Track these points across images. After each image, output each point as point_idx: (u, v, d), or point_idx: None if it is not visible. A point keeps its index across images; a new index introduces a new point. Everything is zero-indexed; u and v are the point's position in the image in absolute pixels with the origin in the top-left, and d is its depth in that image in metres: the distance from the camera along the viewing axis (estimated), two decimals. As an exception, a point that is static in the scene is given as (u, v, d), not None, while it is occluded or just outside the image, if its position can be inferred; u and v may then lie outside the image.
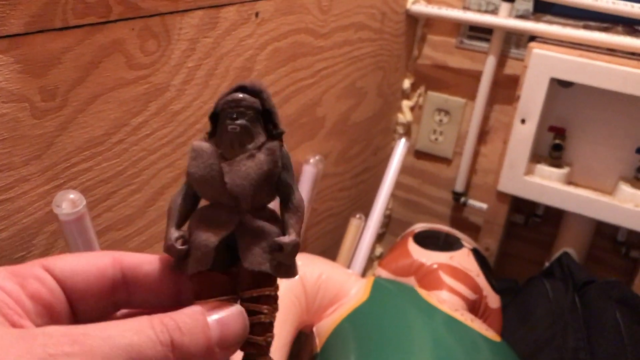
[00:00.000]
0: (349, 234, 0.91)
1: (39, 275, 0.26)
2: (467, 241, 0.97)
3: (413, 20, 1.10)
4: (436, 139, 1.19)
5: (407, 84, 1.17)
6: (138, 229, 0.57)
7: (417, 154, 1.23)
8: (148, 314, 0.25)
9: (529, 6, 1.01)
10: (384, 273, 0.92)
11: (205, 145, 0.27)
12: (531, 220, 1.14)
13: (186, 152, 0.28)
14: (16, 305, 0.24)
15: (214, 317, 0.26)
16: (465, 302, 0.84)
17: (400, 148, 0.97)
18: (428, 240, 0.96)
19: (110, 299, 0.28)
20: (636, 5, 0.88)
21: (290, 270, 0.28)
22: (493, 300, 0.89)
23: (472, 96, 1.11)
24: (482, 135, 1.14)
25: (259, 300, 0.27)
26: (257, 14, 0.64)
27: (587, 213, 0.97)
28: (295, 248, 0.27)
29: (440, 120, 1.17)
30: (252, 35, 0.64)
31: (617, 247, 1.08)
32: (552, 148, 1.01)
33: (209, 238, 0.27)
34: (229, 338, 0.26)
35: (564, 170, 1.00)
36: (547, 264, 1.05)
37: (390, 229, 1.34)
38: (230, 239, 0.27)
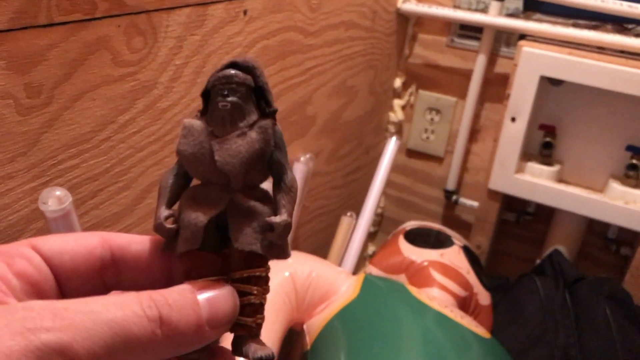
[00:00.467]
0: (340, 232, 0.91)
1: (26, 253, 0.26)
2: (457, 239, 0.98)
3: (404, 19, 1.10)
4: (427, 138, 1.19)
5: (398, 82, 1.17)
6: (126, 227, 0.57)
7: (409, 152, 1.23)
8: None
9: (519, 5, 1.02)
10: (374, 270, 0.92)
11: (196, 123, 0.27)
12: (522, 218, 1.14)
13: (176, 138, 0.27)
14: (1, 283, 0.24)
15: (204, 295, 0.25)
16: (456, 299, 0.84)
17: (392, 147, 0.97)
18: (419, 237, 0.96)
19: (99, 279, 0.27)
20: (625, 3, 0.89)
21: (282, 251, 0.27)
22: (483, 297, 0.90)
23: (462, 95, 1.12)
24: (473, 134, 1.14)
25: (249, 281, 0.27)
26: (245, 12, 0.64)
27: (577, 210, 0.97)
28: (287, 228, 0.27)
29: (432, 119, 1.17)
30: (240, 33, 0.65)
31: (607, 244, 1.09)
32: (543, 146, 1.02)
33: (198, 217, 0.27)
34: (219, 317, 0.25)
35: (555, 168, 1.00)
36: (538, 262, 1.05)
37: (382, 227, 1.34)
38: (221, 218, 0.27)
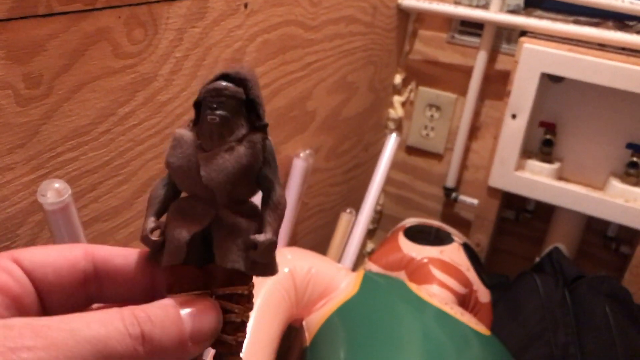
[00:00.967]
0: (339, 229, 0.91)
1: (6, 266, 0.25)
2: (457, 236, 0.97)
3: (404, 14, 1.10)
4: (427, 135, 1.19)
5: (398, 79, 1.17)
6: (125, 221, 0.57)
7: (408, 149, 1.23)
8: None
9: (520, 1, 1.01)
10: (374, 267, 0.92)
11: (187, 135, 0.26)
12: (522, 216, 1.14)
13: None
14: None
15: (187, 310, 0.25)
16: (455, 296, 0.84)
17: (391, 143, 0.97)
18: (419, 234, 0.96)
19: (82, 292, 0.27)
20: (626, 0, 0.89)
21: (266, 269, 0.27)
22: (483, 294, 0.89)
23: (463, 91, 1.11)
24: (473, 131, 1.14)
25: (231, 299, 0.27)
26: (246, 5, 0.64)
27: (577, 208, 0.97)
28: (271, 247, 0.26)
29: (432, 116, 1.17)
30: (241, 27, 0.64)
31: (607, 242, 1.08)
32: (543, 143, 1.02)
33: (181, 232, 0.26)
34: (202, 332, 0.25)
35: (555, 166, 1.00)
36: (537, 259, 1.05)
37: (381, 224, 1.33)
38: (207, 233, 0.27)
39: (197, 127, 0.26)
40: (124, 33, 0.50)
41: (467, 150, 1.15)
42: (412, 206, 1.28)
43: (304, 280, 0.74)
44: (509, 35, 1.05)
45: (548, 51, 0.90)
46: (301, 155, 0.82)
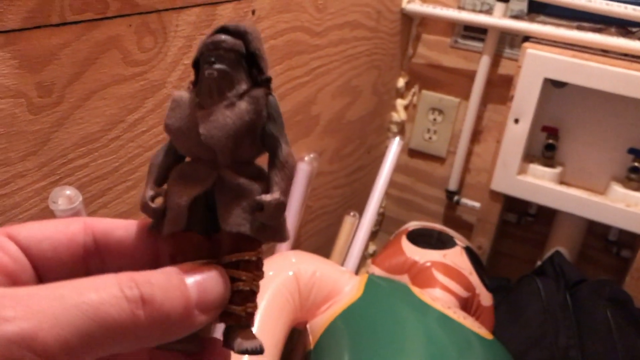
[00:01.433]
0: (343, 232, 0.91)
1: (0, 243, 0.23)
2: (460, 239, 0.98)
3: (408, 19, 1.10)
4: (430, 138, 1.19)
5: (401, 82, 1.17)
6: (133, 226, 0.57)
7: (411, 152, 1.23)
8: None
9: (524, 6, 1.02)
10: (377, 271, 0.92)
11: (185, 95, 0.25)
12: (524, 220, 1.15)
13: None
14: None
15: (192, 277, 0.23)
16: (458, 299, 0.84)
17: (394, 147, 0.97)
18: (421, 238, 0.96)
19: (82, 267, 0.25)
20: (629, 6, 0.89)
21: (276, 233, 0.25)
22: (485, 298, 0.90)
23: (466, 96, 1.12)
24: (476, 135, 1.14)
25: (238, 266, 0.24)
26: (253, 12, 0.64)
27: (579, 212, 0.97)
28: (279, 207, 0.24)
29: (434, 119, 1.18)
30: (248, 33, 0.65)
31: (608, 246, 1.09)
32: (545, 148, 1.02)
33: (182, 196, 0.24)
34: (209, 300, 0.23)
35: (557, 170, 1.01)
36: (539, 263, 1.06)
37: (383, 227, 1.34)
38: (211, 198, 0.25)
39: (196, 87, 0.25)
40: (134, 41, 0.50)
41: (469, 154, 1.16)
42: (414, 209, 1.28)
43: (309, 283, 0.74)
44: (512, 40, 1.05)
45: (551, 57, 0.90)
46: (305, 159, 0.83)
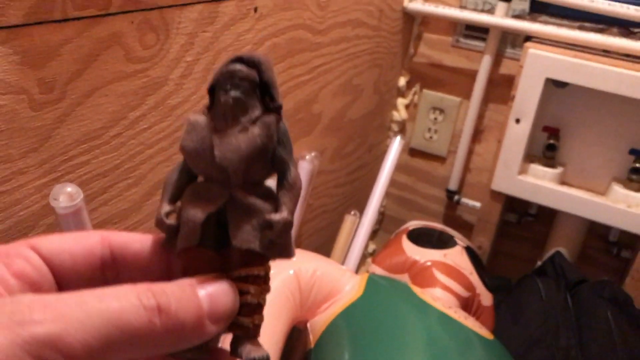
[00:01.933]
0: (343, 230, 0.91)
1: (24, 254, 0.25)
2: (460, 239, 0.98)
3: (410, 18, 1.10)
4: (431, 137, 1.19)
5: (402, 81, 1.17)
6: (134, 223, 0.57)
7: (412, 151, 1.23)
8: None
9: (525, 6, 1.02)
10: (377, 270, 0.92)
11: (201, 118, 0.26)
12: (524, 220, 1.14)
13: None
14: None
15: (204, 289, 0.24)
16: (459, 299, 0.84)
17: (395, 146, 0.97)
18: (422, 237, 0.96)
19: (100, 278, 0.27)
20: (632, 7, 0.89)
21: (283, 250, 0.27)
22: (486, 298, 0.90)
23: (467, 95, 1.12)
24: (477, 134, 1.14)
25: (247, 280, 0.26)
26: (255, 9, 0.64)
27: (579, 213, 0.97)
28: (287, 226, 0.26)
29: (435, 119, 1.17)
30: (250, 31, 0.64)
31: (608, 247, 1.09)
32: (546, 148, 1.02)
33: (196, 213, 0.26)
34: (220, 311, 0.24)
35: (558, 170, 1.00)
36: (539, 263, 1.05)
37: (383, 226, 1.34)
38: (223, 215, 0.26)
39: (211, 111, 0.26)
40: (136, 38, 0.50)
41: (470, 154, 1.16)
42: (414, 208, 1.28)
43: (309, 282, 0.74)
44: (514, 40, 1.05)
45: (553, 57, 0.90)
46: (307, 157, 0.82)
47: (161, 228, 0.27)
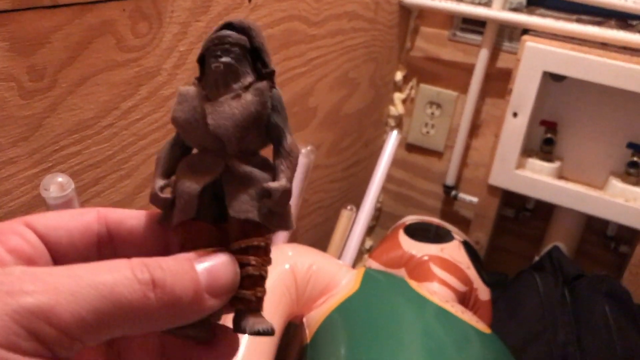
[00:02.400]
0: (339, 225, 0.90)
1: (19, 230, 0.25)
2: (457, 233, 0.97)
3: (406, 11, 1.09)
4: (428, 132, 1.18)
5: (399, 76, 1.16)
6: (127, 216, 0.56)
7: (409, 147, 1.23)
8: None
9: (523, -1, 1.01)
10: (374, 264, 0.92)
11: (192, 89, 0.25)
12: (522, 214, 1.14)
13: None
14: None
15: (202, 263, 0.24)
16: (456, 294, 0.83)
17: (392, 140, 0.97)
18: (419, 232, 0.96)
19: (96, 255, 0.26)
20: (629, -1, 0.88)
21: (283, 221, 0.26)
22: (483, 292, 0.89)
23: (464, 89, 1.11)
24: (474, 129, 1.13)
25: (247, 252, 0.25)
26: (250, 0, 0.63)
27: (577, 207, 0.97)
28: (286, 194, 0.25)
29: (432, 113, 1.17)
30: (245, 21, 0.63)
31: (606, 241, 1.08)
32: (544, 142, 1.01)
33: (191, 185, 0.25)
34: (219, 284, 0.24)
35: (555, 165, 1.00)
36: (537, 258, 1.05)
37: (380, 222, 1.33)
38: (219, 188, 0.26)
39: (202, 81, 0.26)
40: (128, 26, 0.49)
41: (467, 148, 1.15)
42: (411, 204, 1.28)
43: (305, 276, 0.73)
44: (511, 33, 1.05)
45: (550, 50, 0.90)
46: (303, 151, 0.82)
47: (156, 203, 0.26)
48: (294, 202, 0.82)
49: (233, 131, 0.25)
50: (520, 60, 0.92)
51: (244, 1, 0.62)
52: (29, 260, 0.24)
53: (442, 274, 0.85)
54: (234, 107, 0.25)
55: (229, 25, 0.25)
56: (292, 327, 0.78)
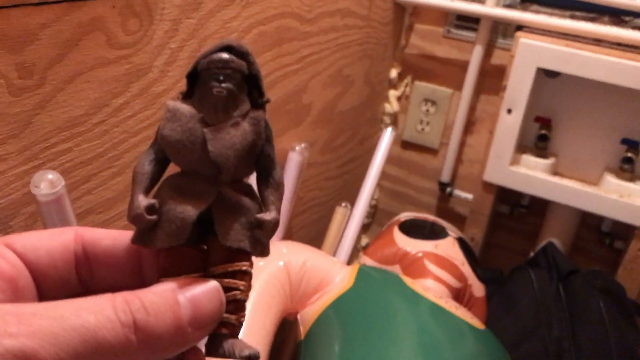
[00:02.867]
0: (334, 222, 0.90)
1: None
2: (452, 230, 0.97)
3: (400, 8, 1.09)
4: (422, 129, 1.19)
5: (394, 73, 1.16)
6: (119, 213, 0.56)
7: (404, 144, 1.23)
8: None
9: (517, -4, 1.01)
10: (369, 261, 0.92)
11: (183, 107, 0.25)
12: (516, 211, 1.14)
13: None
14: None
15: (187, 294, 0.24)
16: (450, 290, 0.83)
17: (387, 138, 0.97)
18: (413, 229, 0.96)
19: (75, 275, 0.27)
20: (623, -5, 0.88)
21: (265, 249, 0.26)
22: (477, 288, 0.89)
23: (458, 86, 1.11)
24: (469, 126, 1.13)
25: (235, 276, 0.25)
26: (242, -4, 0.63)
27: (572, 203, 0.97)
28: (276, 226, 0.26)
29: (427, 111, 1.17)
30: (236, 18, 0.63)
31: (601, 237, 1.09)
32: (538, 138, 1.02)
33: (186, 211, 0.25)
34: (204, 316, 0.24)
35: (550, 161, 1.00)
36: (532, 254, 1.05)
37: (376, 219, 1.33)
38: (203, 212, 0.25)
39: (193, 100, 0.25)
40: (118, 23, 0.49)
41: (462, 145, 1.15)
42: (406, 201, 1.28)
43: (299, 273, 0.73)
44: (505, 29, 1.05)
45: (544, 46, 0.90)
46: (297, 149, 0.82)
47: (139, 224, 0.25)
48: (288, 200, 0.82)
49: (232, 160, 0.24)
50: (514, 57, 0.92)
51: (235, -2, 0.62)
52: (10, 281, 0.24)
53: (437, 270, 0.85)
54: (234, 135, 0.24)
55: (229, 48, 0.25)
56: (287, 324, 0.78)
